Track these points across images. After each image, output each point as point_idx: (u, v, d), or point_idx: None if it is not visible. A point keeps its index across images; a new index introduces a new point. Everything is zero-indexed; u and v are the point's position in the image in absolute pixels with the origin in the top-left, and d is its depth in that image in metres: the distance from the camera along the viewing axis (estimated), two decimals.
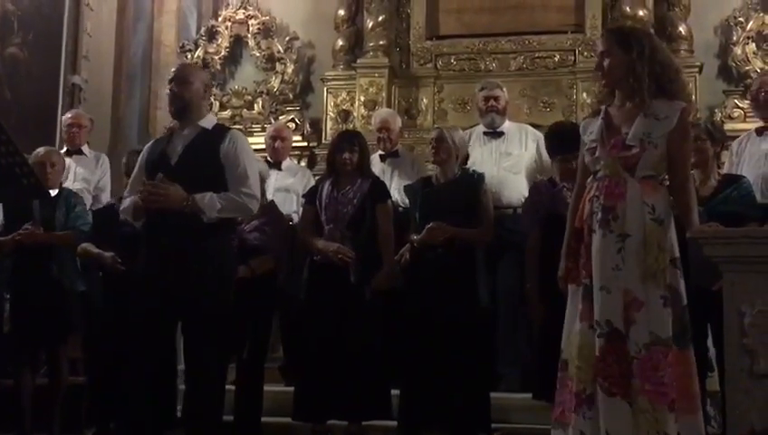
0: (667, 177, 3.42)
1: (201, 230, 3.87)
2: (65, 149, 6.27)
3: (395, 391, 4.65)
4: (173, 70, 4.24)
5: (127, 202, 4.12)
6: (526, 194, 5.51)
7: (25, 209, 5.17)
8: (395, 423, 4.63)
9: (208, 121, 4.15)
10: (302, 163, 7.04)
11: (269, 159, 6.01)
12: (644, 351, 3.22)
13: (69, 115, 6.39)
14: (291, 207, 5.82)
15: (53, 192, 5.30)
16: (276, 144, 6.09)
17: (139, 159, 4.25)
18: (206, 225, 3.88)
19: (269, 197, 5.56)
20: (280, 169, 5.98)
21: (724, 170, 4.98)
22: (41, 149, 5.53)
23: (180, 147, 4.03)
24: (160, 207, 3.85)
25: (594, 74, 3.60)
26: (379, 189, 4.86)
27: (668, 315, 3.26)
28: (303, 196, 5.15)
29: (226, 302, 3.96)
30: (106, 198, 6.14)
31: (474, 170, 4.96)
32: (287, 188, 5.90)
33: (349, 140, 4.91)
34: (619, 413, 3.21)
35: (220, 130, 4.14)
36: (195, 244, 3.88)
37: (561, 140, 4.60)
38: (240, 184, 3.97)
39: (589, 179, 3.49)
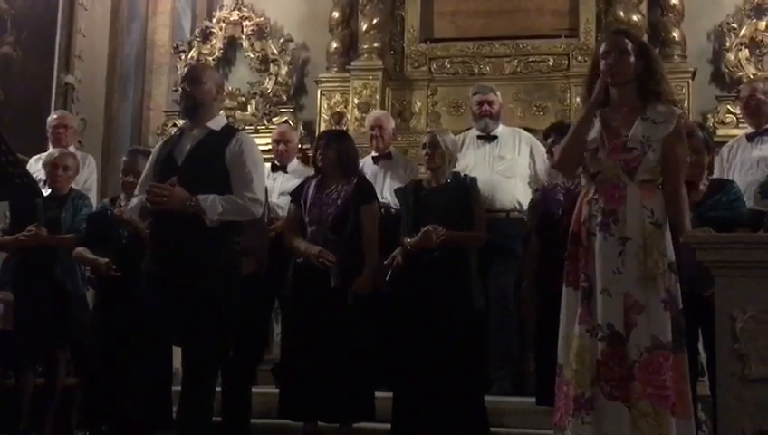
0: (661, 181, 3.44)
1: (207, 231, 3.85)
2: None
3: (381, 394, 4.63)
4: (186, 69, 4.23)
5: (134, 201, 4.12)
6: (520, 198, 5.55)
7: (32, 209, 5.18)
8: (383, 426, 4.60)
9: (217, 123, 4.10)
10: None
11: (275, 162, 6.00)
12: (645, 354, 3.23)
13: (54, 116, 6.30)
14: None
15: (56, 193, 5.34)
16: (280, 147, 6.05)
17: (150, 158, 4.24)
18: (211, 226, 3.88)
19: (274, 200, 5.54)
20: (286, 172, 5.94)
21: (715, 175, 5.00)
22: (55, 151, 5.60)
23: (188, 147, 4.00)
24: (163, 208, 3.83)
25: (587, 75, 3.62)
26: (365, 190, 4.79)
27: (668, 319, 3.28)
28: (290, 194, 5.10)
29: (233, 303, 3.94)
30: (92, 198, 6.12)
31: (466, 175, 4.95)
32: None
33: (324, 137, 4.92)
34: (620, 418, 3.21)
35: (228, 132, 4.09)
36: (200, 244, 3.85)
37: (553, 130, 4.78)
38: (244, 187, 3.91)
39: (584, 182, 3.49)
